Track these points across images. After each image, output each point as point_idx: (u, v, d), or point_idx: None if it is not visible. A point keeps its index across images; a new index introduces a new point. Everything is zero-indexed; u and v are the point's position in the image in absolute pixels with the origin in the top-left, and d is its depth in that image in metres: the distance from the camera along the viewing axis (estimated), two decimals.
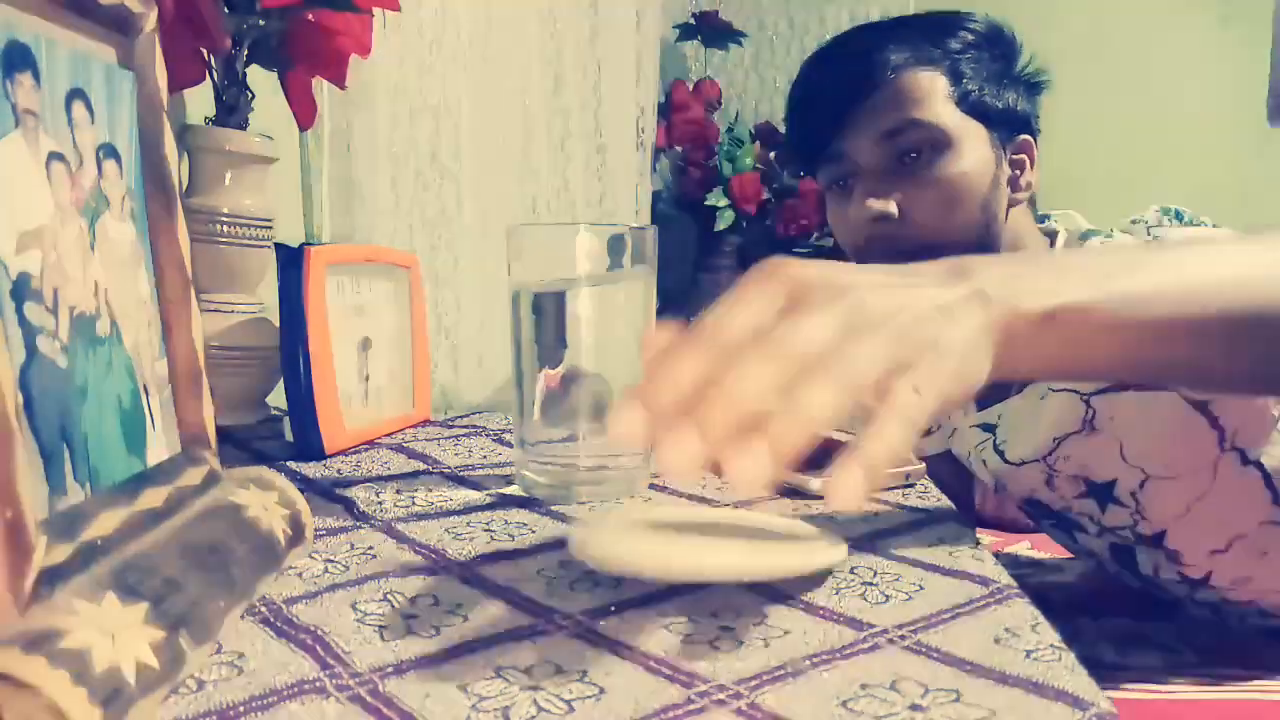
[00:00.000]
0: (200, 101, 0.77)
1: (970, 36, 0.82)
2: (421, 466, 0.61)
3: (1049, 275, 0.41)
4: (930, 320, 0.36)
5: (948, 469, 0.98)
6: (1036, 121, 0.87)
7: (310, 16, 0.73)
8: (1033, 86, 0.86)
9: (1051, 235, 0.86)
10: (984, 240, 0.81)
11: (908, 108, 0.79)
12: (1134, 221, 0.79)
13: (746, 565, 0.38)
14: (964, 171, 0.79)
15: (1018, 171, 0.84)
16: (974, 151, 0.80)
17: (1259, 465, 0.73)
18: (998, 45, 0.84)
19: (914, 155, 0.80)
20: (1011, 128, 0.83)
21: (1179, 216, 0.78)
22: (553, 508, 0.51)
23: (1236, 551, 0.77)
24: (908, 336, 0.35)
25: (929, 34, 0.83)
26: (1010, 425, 0.84)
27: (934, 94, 0.80)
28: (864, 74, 0.80)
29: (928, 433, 0.98)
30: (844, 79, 0.82)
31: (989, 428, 0.86)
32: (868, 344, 0.34)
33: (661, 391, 0.32)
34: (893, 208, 0.80)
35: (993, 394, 0.88)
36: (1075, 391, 0.78)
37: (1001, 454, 0.85)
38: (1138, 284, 0.42)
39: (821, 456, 0.64)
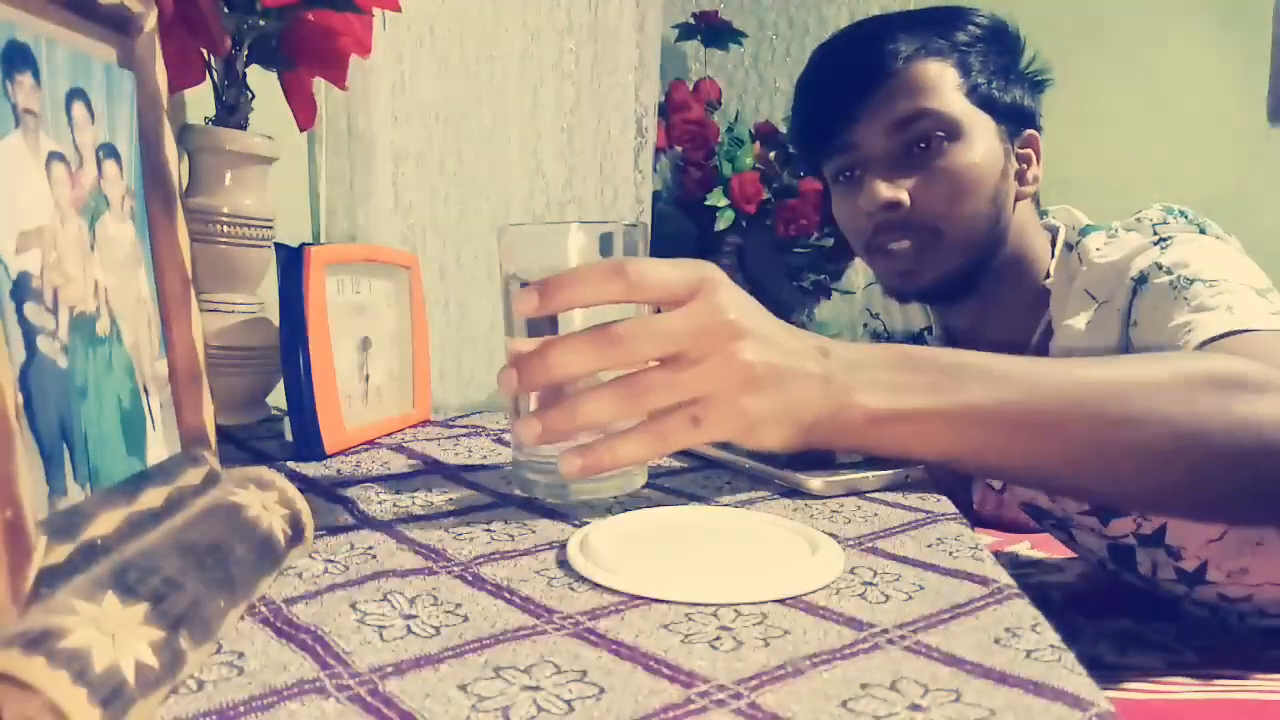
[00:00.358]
0: (200, 101, 0.77)
1: (976, 30, 0.83)
2: (421, 466, 0.61)
3: (896, 375, 0.49)
4: (758, 381, 0.45)
5: (947, 469, 0.98)
6: (1039, 119, 0.87)
7: (310, 16, 0.73)
8: (1036, 84, 0.87)
9: (1052, 231, 0.86)
10: (991, 232, 0.81)
11: (919, 97, 0.80)
12: (1138, 218, 0.79)
13: (744, 590, 0.38)
14: (974, 162, 0.79)
15: (1024, 165, 0.84)
16: (983, 142, 0.80)
17: None
18: (1002, 41, 0.84)
19: (924, 145, 0.80)
20: (1018, 122, 0.84)
21: (1183, 215, 0.78)
22: (550, 504, 0.51)
23: (1230, 541, 0.77)
24: (722, 388, 0.44)
25: (937, 26, 0.83)
26: None
27: (944, 84, 0.80)
28: (875, 63, 0.81)
29: None
30: (854, 68, 0.82)
31: None
32: (685, 377, 0.44)
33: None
34: (904, 195, 0.80)
35: None
36: None
37: None
38: (981, 396, 0.49)
39: (822, 457, 0.65)
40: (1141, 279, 0.72)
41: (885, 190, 0.80)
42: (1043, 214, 0.89)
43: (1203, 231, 0.75)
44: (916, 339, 0.98)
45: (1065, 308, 0.80)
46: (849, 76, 0.82)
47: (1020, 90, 0.84)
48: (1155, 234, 0.76)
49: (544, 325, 0.48)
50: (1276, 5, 1.98)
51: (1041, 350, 0.84)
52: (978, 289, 0.84)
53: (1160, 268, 0.71)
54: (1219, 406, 0.51)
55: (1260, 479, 0.52)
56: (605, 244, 0.50)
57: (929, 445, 0.50)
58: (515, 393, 0.47)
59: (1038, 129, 0.86)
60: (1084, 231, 0.83)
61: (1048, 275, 0.84)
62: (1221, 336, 0.60)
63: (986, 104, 0.81)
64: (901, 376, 0.49)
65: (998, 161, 0.81)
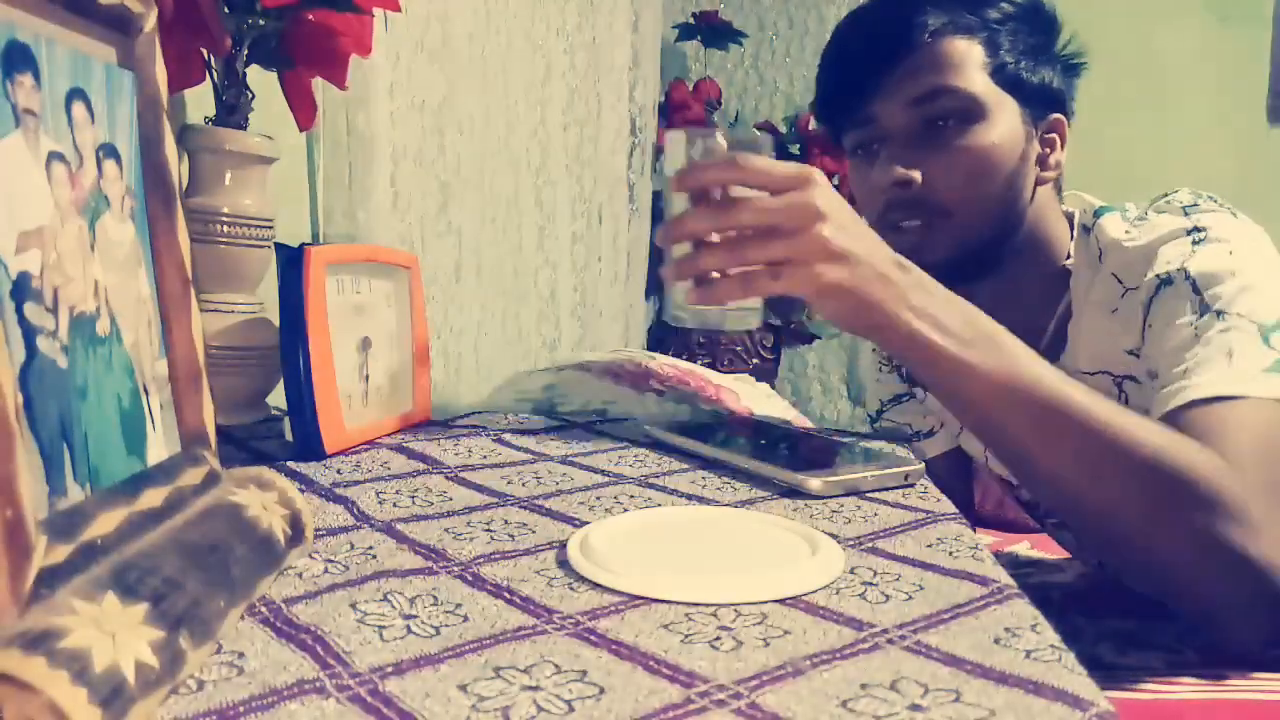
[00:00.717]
0: (200, 101, 0.77)
1: (1009, 8, 0.81)
2: (421, 466, 0.61)
3: (949, 316, 0.62)
4: (832, 257, 0.59)
5: (947, 468, 0.98)
6: (1071, 103, 0.86)
7: (310, 16, 0.73)
8: (1070, 67, 0.85)
9: (1069, 216, 0.86)
10: (1006, 214, 0.81)
11: (941, 74, 0.79)
12: (1167, 200, 0.78)
13: (744, 590, 0.38)
14: (993, 143, 0.78)
15: (1047, 150, 0.83)
16: (1005, 124, 0.79)
17: None
18: (1036, 20, 0.82)
19: (943, 123, 0.79)
20: (1045, 105, 0.82)
21: (1212, 199, 0.77)
22: (551, 508, 0.51)
23: None
24: (801, 255, 0.59)
25: (969, 2, 0.81)
26: None
27: (969, 62, 0.79)
28: (899, 37, 0.79)
29: (930, 434, 0.99)
30: (878, 41, 0.81)
31: None
32: (773, 241, 0.59)
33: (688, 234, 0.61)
34: (916, 175, 0.79)
35: None
36: (1108, 373, 0.78)
37: None
38: (1002, 367, 0.62)
39: (822, 458, 0.65)
40: (1167, 280, 0.72)
41: (898, 169, 0.79)
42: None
43: (1234, 216, 0.75)
44: None
45: (1089, 290, 0.79)
46: (872, 49, 0.81)
47: (1051, 72, 0.82)
48: (1186, 215, 0.75)
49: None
50: (1276, 5, 1.98)
51: (1060, 331, 0.84)
52: (993, 270, 0.83)
53: (1186, 276, 0.71)
54: (1162, 509, 0.61)
55: (1171, 579, 0.65)
56: (740, 146, 0.63)
57: (940, 381, 0.63)
58: (666, 244, 0.63)
59: (1067, 113, 0.85)
60: (1098, 213, 0.82)
61: (1068, 257, 0.84)
62: (1206, 402, 0.65)
63: (1012, 85, 0.80)
64: (953, 320, 0.62)
65: (1017, 145, 0.80)
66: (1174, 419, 0.66)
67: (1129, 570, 0.71)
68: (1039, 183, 0.83)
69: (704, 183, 0.61)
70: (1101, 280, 0.78)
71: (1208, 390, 0.65)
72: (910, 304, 0.61)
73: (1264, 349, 0.66)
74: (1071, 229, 0.85)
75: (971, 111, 0.78)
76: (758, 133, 0.66)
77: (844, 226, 0.60)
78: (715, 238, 0.61)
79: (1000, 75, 0.79)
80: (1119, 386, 0.78)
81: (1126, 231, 0.78)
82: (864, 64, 0.81)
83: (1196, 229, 0.73)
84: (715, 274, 0.61)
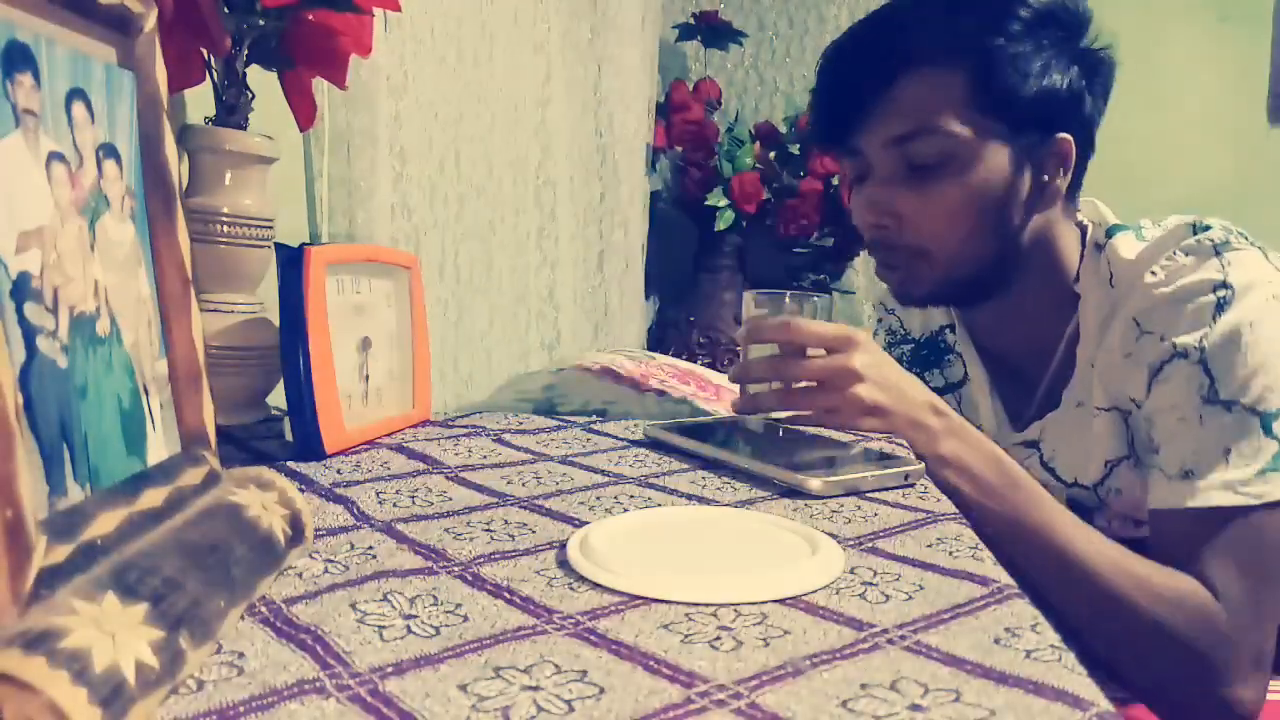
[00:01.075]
0: (200, 101, 0.77)
1: (1017, 24, 0.76)
2: (421, 466, 0.61)
3: (978, 461, 0.72)
4: (869, 411, 0.72)
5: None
6: (1099, 99, 0.81)
7: (310, 16, 0.73)
8: (1094, 67, 0.80)
9: (1082, 228, 0.84)
10: (994, 251, 0.79)
11: (918, 114, 0.76)
12: (1198, 239, 0.74)
13: (744, 590, 0.38)
14: (971, 185, 0.76)
15: (1046, 177, 0.79)
16: (987, 162, 0.76)
17: None
18: (1049, 28, 0.77)
19: (922, 164, 0.77)
20: (1046, 126, 0.78)
21: (1243, 236, 0.75)
22: (551, 508, 0.51)
23: None
24: (843, 411, 0.72)
25: (962, 20, 0.77)
26: (1056, 439, 0.84)
27: (948, 96, 0.76)
28: (877, 73, 0.78)
29: None
30: (858, 76, 0.79)
31: (1032, 444, 0.86)
32: (820, 396, 0.73)
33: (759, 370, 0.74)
34: (887, 220, 0.80)
35: (1025, 410, 0.88)
36: (1116, 409, 0.78)
37: (1052, 470, 0.84)
38: (1023, 516, 0.71)
39: (822, 458, 0.65)
40: (1181, 354, 0.72)
41: (869, 213, 0.81)
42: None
43: (1264, 256, 0.74)
44: (936, 336, 0.97)
45: (1105, 329, 0.79)
46: (852, 84, 0.80)
47: (1065, 80, 0.77)
48: (1217, 254, 0.73)
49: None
50: (1276, 5, 1.98)
51: (1069, 355, 0.83)
52: (997, 292, 0.83)
53: (1201, 356, 0.71)
54: (1156, 661, 0.70)
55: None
56: (800, 302, 0.75)
57: (962, 514, 0.74)
58: (737, 382, 0.77)
59: (1084, 123, 0.80)
60: (1110, 232, 0.80)
61: (1077, 277, 0.82)
62: (1200, 513, 0.69)
63: (1002, 112, 0.76)
64: (979, 464, 0.71)
65: (1001, 181, 0.77)
66: (1169, 519, 0.71)
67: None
68: (1038, 209, 0.80)
69: (764, 339, 0.74)
70: (1120, 322, 0.77)
71: (1202, 501, 0.69)
72: (938, 450, 0.71)
73: (1264, 441, 0.69)
74: (1083, 243, 0.83)
75: (949, 153, 0.76)
76: (817, 297, 0.75)
77: (879, 383, 0.71)
78: (776, 385, 0.74)
79: (986, 104, 0.76)
80: (1126, 423, 0.78)
81: (1153, 272, 0.75)
82: (846, 99, 0.81)
83: (1224, 285, 0.71)
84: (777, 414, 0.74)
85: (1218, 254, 0.73)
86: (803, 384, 0.73)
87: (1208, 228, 0.75)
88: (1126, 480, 0.79)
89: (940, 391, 0.94)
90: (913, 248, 0.80)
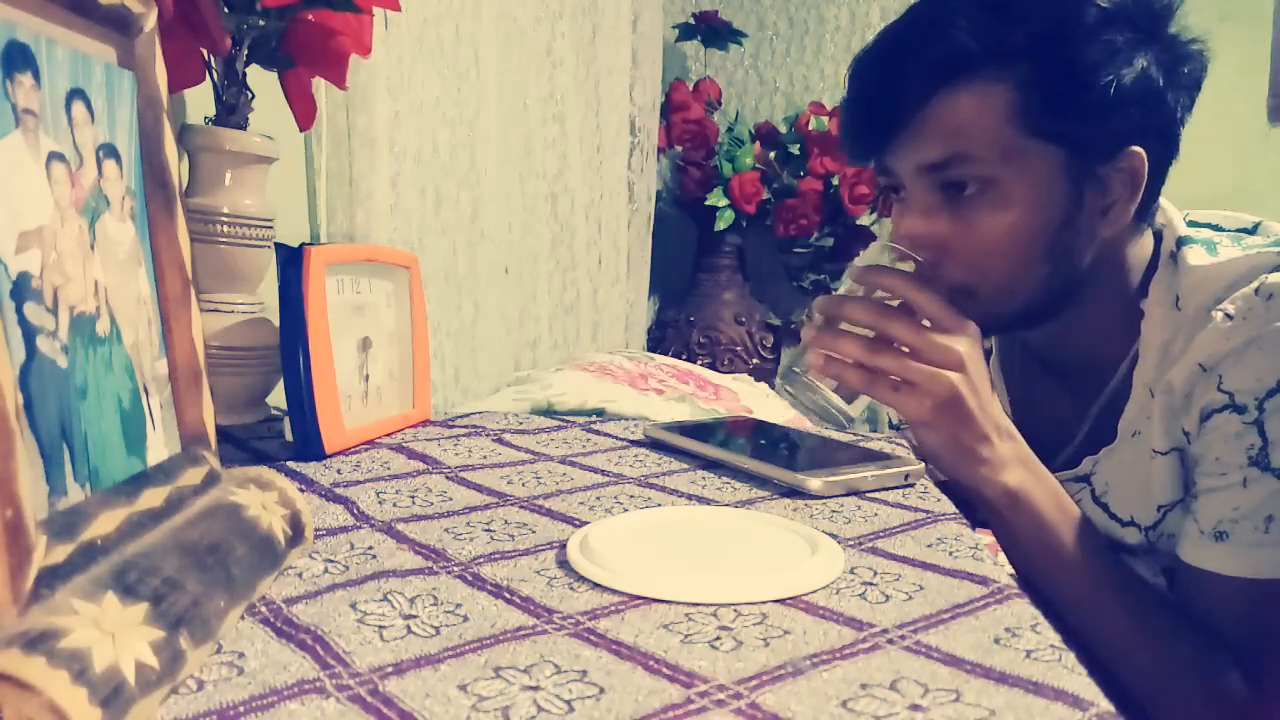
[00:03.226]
0: (200, 101, 0.77)
1: (1087, 19, 0.64)
2: (421, 466, 0.61)
3: (1036, 494, 0.68)
4: (953, 407, 0.64)
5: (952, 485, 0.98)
6: (1176, 101, 0.68)
7: (310, 16, 0.73)
8: (1178, 57, 0.68)
9: (1157, 235, 0.75)
10: (1044, 286, 0.70)
11: (952, 138, 0.66)
12: (1245, 235, 0.72)
13: (744, 590, 0.38)
14: (1020, 215, 0.66)
15: (1111, 199, 0.68)
16: (1039, 188, 0.66)
17: None
18: (1123, 22, 0.65)
19: (959, 189, 0.68)
20: (1113, 140, 0.67)
21: None
22: (551, 508, 0.51)
23: None
24: (936, 393, 0.64)
25: (1016, 18, 0.65)
26: (1110, 472, 0.76)
27: (988, 116, 0.65)
28: (911, 89, 0.67)
29: None
30: (887, 92, 0.69)
31: (1082, 479, 0.79)
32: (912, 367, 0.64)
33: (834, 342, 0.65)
34: (925, 254, 0.68)
35: (1077, 447, 0.81)
36: (1178, 450, 0.71)
37: (1104, 505, 0.77)
38: (1069, 554, 0.68)
39: (822, 458, 0.65)
40: (1239, 408, 0.65)
41: (902, 247, 0.69)
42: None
43: None
44: None
45: (1160, 340, 0.70)
46: (881, 101, 0.69)
47: (1139, 80, 0.65)
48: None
49: None
50: (1277, 5, 1.98)
51: (1126, 380, 0.74)
52: (1046, 322, 0.74)
53: (1260, 413, 0.64)
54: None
55: None
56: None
57: (1010, 543, 0.69)
58: (823, 312, 0.67)
59: (1163, 127, 0.69)
60: (1181, 242, 0.72)
61: (1144, 287, 0.73)
62: (1232, 579, 0.67)
63: (1059, 126, 0.65)
64: (1039, 499, 0.67)
65: (1056, 210, 0.67)
66: (1196, 575, 0.69)
67: None
68: (1099, 231, 0.69)
69: (883, 285, 0.65)
70: (1185, 361, 0.68)
71: (1233, 568, 0.67)
72: (1001, 479, 0.66)
73: None
74: (1156, 249, 0.74)
75: (988, 180, 0.66)
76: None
77: (974, 383, 0.64)
78: (866, 333, 0.64)
79: (1040, 119, 0.65)
80: (1184, 463, 0.71)
81: (1227, 314, 0.65)
82: (876, 116, 0.70)
83: None
84: (847, 361, 0.65)
85: None
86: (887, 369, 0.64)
87: None
88: (1180, 526, 0.71)
89: None
90: (958, 285, 0.68)
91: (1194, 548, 0.68)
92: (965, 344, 0.64)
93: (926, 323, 0.65)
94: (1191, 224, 0.76)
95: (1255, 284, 0.65)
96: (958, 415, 0.64)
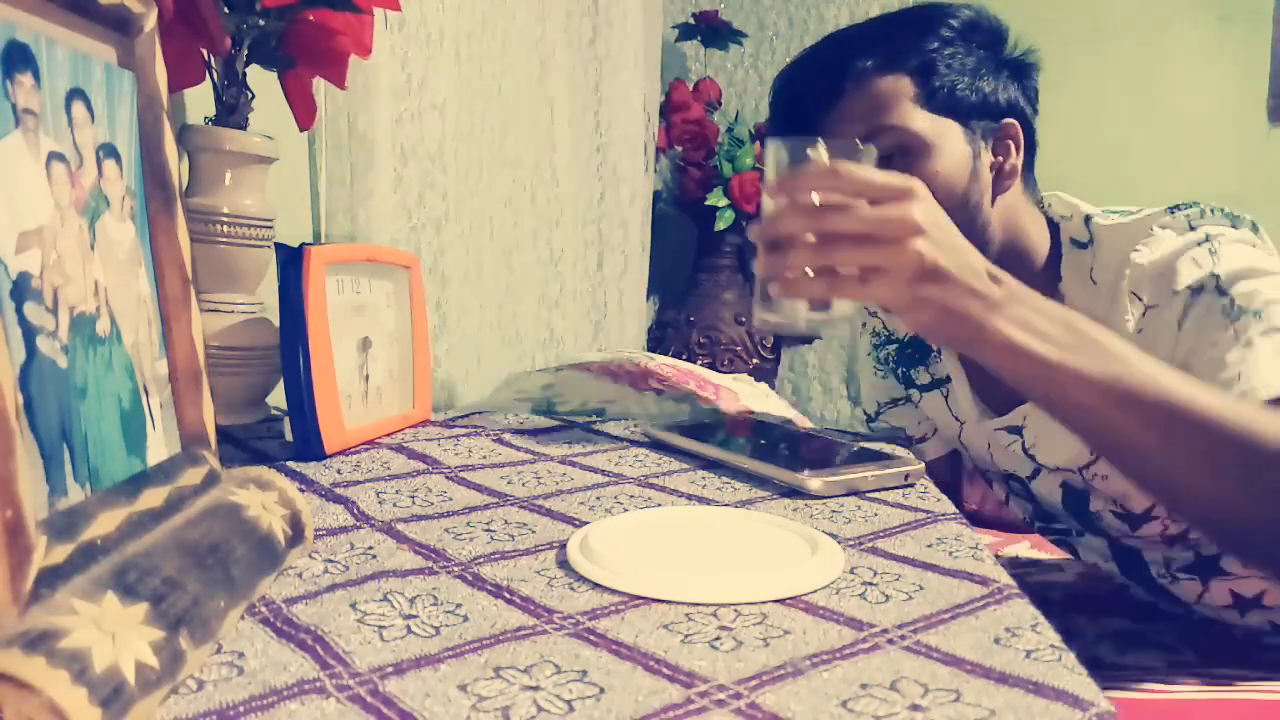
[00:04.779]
0: (200, 101, 0.77)
1: (947, 31, 0.82)
2: (421, 466, 0.61)
3: (1046, 323, 0.61)
4: (923, 273, 0.58)
5: (941, 465, 0.99)
6: (1030, 102, 0.86)
7: (310, 16, 0.73)
8: (1020, 69, 0.86)
9: (1053, 224, 0.85)
10: (970, 232, 0.77)
11: (874, 115, 0.79)
12: (1173, 211, 0.77)
13: (744, 590, 0.38)
14: (937, 171, 0.79)
15: (1001, 158, 0.83)
16: (948, 149, 0.80)
17: None
18: (974, 36, 0.83)
19: (888, 159, 0.79)
20: (994, 115, 0.83)
21: (1218, 211, 0.76)
22: (551, 508, 0.51)
23: None
24: (892, 267, 0.59)
25: (900, 34, 0.82)
26: (1037, 427, 0.84)
27: (899, 98, 0.80)
28: (831, 84, 0.81)
29: (923, 439, 0.99)
30: (813, 91, 0.82)
31: (1015, 430, 0.86)
32: (866, 249, 0.59)
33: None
34: None
35: (1009, 398, 0.87)
36: None
37: (1032, 456, 0.84)
38: (1106, 370, 0.60)
39: (822, 458, 0.65)
40: (1197, 289, 0.71)
41: None
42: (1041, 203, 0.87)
43: (1234, 226, 0.75)
44: (916, 340, 0.97)
45: (1083, 305, 0.78)
46: (810, 99, 0.83)
47: (998, 82, 0.83)
48: (1192, 229, 0.75)
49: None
50: (1277, 5, 1.98)
51: None
52: None
53: (1216, 281, 0.71)
54: None
55: None
56: (841, 154, 0.63)
57: (1046, 390, 0.62)
58: (760, 241, 0.63)
59: (1024, 114, 0.85)
60: (1088, 220, 0.82)
61: (1048, 269, 0.83)
62: (1273, 403, 0.65)
63: (951, 107, 0.81)
64: (1053, 328, 0.61)
65: (964, 165, 0.80)
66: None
67: (1231, 549, 0.70)
68: (998, 192, 0.83)
69: (803, 191, 0.60)
70: (1116, 301, 0.77)
71: (1267, 392, 0.65)
72: (1007, 315, 0.60)
73: None
74: (1052, 236, 0.84)
75: (911, 146, 0.79)
76: (860, 143, 0.65)
77: (939, 241, 0.60)
78: (810, 238, 0.60)
79: (935, 102, 0.80)
80: None
81: (1136, 249, 0.77)
82: (805, 114, 0.82)
83: (1208, 238, 0.73)
84: (807, 272, 0.60)
85: (1192, 227, 0.76)
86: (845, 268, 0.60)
87: (1179, 208, 0.78)
88: (1113, 468, 0.77)
89: (927, 387, 0.95)
90: None
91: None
92: (915, 205, 0.59)
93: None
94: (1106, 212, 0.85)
95: (1156, 221, 0.77)
96: (936, 282, 0.59)
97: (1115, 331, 0.64)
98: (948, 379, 0.94)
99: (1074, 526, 0.91)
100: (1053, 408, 0.64)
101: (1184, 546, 0.81)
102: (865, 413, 1.07)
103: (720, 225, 1.99)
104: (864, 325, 1.06)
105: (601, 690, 0.29)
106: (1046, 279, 0.82)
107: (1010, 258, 0.82)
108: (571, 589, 0.38)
